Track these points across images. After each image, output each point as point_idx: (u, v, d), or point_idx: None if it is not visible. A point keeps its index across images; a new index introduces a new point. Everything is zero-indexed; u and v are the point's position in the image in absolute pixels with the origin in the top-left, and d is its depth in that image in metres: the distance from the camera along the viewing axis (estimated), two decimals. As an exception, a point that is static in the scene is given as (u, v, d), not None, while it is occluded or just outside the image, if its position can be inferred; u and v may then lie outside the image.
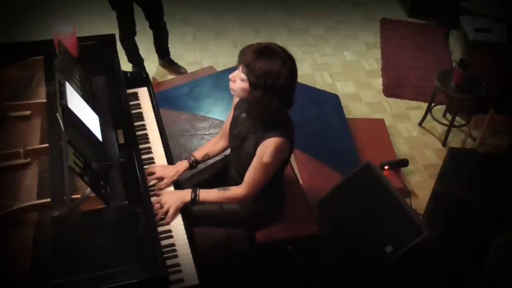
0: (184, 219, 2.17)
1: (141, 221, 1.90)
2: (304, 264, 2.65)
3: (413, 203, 3.26)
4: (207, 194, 2.25)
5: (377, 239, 2.64)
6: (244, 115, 2.23)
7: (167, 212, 2.15)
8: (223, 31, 4.88)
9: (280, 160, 2.17)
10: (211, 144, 2.50)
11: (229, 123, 2.39)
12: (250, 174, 2.17)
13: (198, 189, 2.24)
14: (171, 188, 2.30)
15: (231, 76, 2.08)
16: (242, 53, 2.04)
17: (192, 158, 2.44)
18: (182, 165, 2.40)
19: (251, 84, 2.01)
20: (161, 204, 2.16)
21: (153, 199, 2.09)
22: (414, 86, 4.31)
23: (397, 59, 4.62)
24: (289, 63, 2.01)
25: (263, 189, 2.23)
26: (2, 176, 2.05)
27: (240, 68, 2.03)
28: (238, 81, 2.05)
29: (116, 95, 2.43)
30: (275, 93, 2.02)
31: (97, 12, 4.69)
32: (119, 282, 1.69)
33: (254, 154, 2.14)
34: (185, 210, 2.22)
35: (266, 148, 2.09)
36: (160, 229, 2.10)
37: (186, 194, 2.22)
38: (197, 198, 2.22)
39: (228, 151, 2.47)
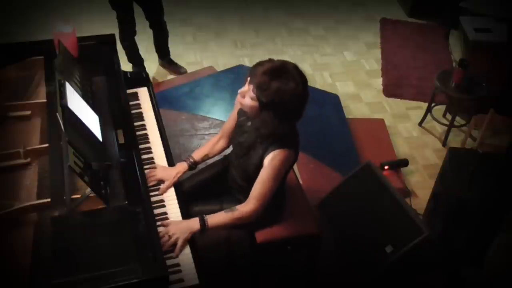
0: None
1: (141, 221, 1.90)
2: (304, 264, 2.65)
3: (413, 203, 3.26)
4: (215, 219, 2.12)
5: (377, 239, 2.64)
6: (249, 123, 2.22)
7: (175, 243, 2.01)
8: (223, 31, 4.87)
9: (286, 169, 2.17)
10: (210, 144, 2.48)
11: (230, 123, 2.39)
12: (257, 189, 2.11)
13: (205, 216, 2.11)
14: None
15: (240, 91, 2.06)
16: (253, 73, 2.00)
17: (191, 160, 2.43)
18: (181, 166, 2.39)
19: (261, 104, 2.00)
20: (168, 236, 2.02)
21: (160, 229, 2.02)
22: (414, 86, 4.31)
23: (397, 59, 4.62)
24: (301, 84, 1.99)
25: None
26: (2, 176, 2.05)
27: (250, 86, 2.00)
28: (248, 98, 2.03)
29: (116, 95, 2.43)
30: (285, 114, 2.02)
31: (97, 12, 4.69)
32: (119, 282, 1.69)
33: (260, 165, 2.13)
34: (185, 212, 2.22)
35: (272, 161, 2.08)
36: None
37: (193, 224, 2.08)
38: (206, 225, 2.09)
39: (228, 150, 2.47)
